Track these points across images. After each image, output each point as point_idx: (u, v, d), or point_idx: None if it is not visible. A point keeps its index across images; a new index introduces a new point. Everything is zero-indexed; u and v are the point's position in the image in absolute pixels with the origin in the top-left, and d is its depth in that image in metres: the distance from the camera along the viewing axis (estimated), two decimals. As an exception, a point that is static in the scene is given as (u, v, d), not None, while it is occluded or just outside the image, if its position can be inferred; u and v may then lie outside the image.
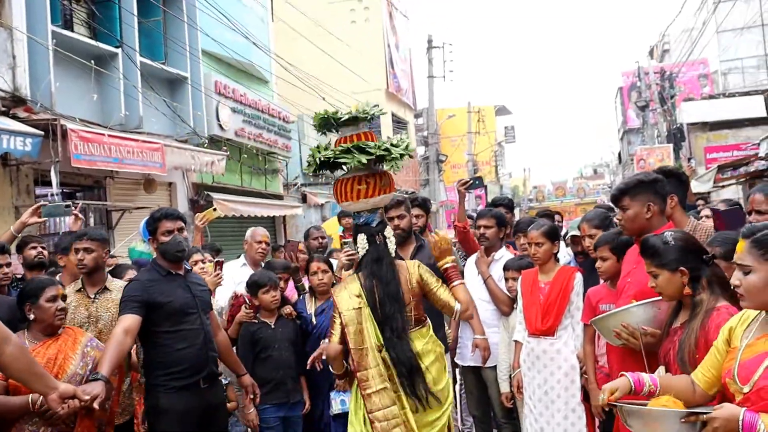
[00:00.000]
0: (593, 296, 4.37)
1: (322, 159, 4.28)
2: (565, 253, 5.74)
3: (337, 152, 4.25)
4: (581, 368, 4.70)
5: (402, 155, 4.27)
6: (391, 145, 4.27)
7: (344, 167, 4.28)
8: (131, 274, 5.27)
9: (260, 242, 6.32)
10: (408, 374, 3.97)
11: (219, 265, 5.41)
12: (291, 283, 5.90)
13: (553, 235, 4.92)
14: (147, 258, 7.92)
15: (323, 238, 7.39)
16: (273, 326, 5.33)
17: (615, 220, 4.04)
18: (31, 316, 3.77)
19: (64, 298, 3.91)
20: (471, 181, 6.23)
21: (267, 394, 4.77)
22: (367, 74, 25.45)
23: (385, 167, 4.34)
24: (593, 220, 4.86)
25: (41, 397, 3.45)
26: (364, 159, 4.17)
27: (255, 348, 5.25)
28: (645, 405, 2.77)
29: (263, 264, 6.18)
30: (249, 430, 5.24)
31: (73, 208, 5.39)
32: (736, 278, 2.62)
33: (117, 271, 5.41)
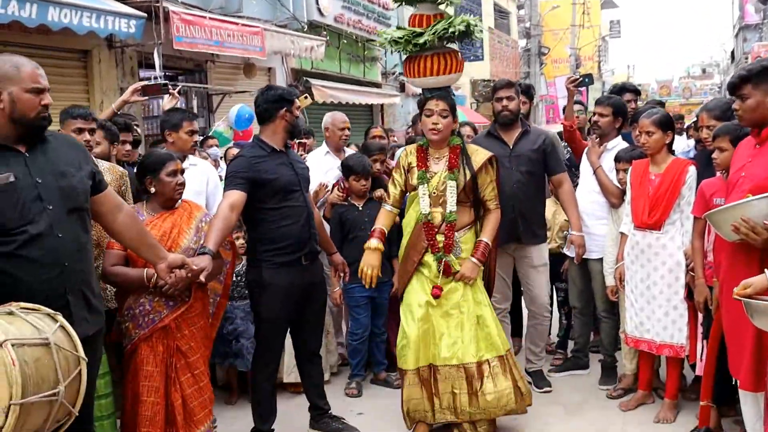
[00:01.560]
0: (707, 189, 4.14)
1: (395, 39, 4.59)
2: (684, 145, 5.48)
3: (410, 33, 4.51)
4: (688, 264, 4.53)
5: (464, 32, 4.50)
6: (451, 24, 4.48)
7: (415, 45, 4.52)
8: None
9: (342, 129, 6.12)
10: None
11: (302, 146, 5.42)
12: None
13: (665, 124, 4.65)
14: (227, 141, 8.04)
15: (382, 137, 7.20)
16: (360, 208, 5.46)
17: (734, 107, 3.77)
18: (152, 190, 3.87)
19: (182, 172, 3.97)
20: (581, 79, 5.94)
21: (355, 273, 4.80)
22: (469, -40, 24.54)
23: (454, 45, 4.65)
24: (714, 110, 4.57)
25: (155, 273, 3.57)
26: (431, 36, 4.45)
27: (344, 229, 5.39)
28: None
29: (361, 145, 6.17)
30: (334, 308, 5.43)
31: (170, 87, 5.42)
32: None
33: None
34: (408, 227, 4.56)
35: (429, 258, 4.41)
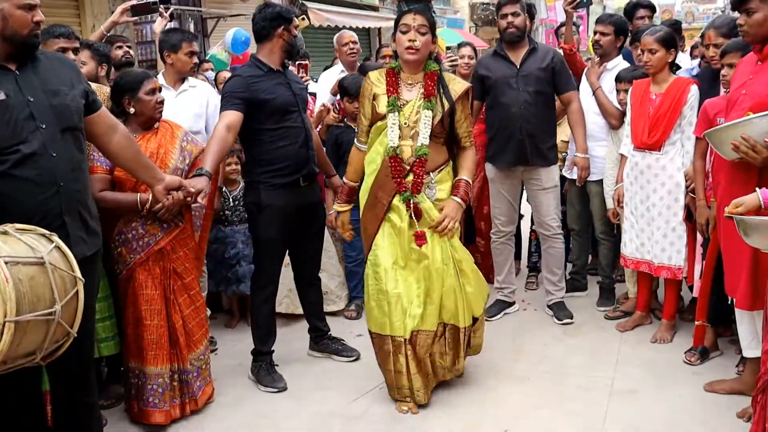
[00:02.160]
0: (710, 108, 4.07)
1: None
2: (688, 64, 5.36)
3: None
4: (687, 186, 4.50)
5: None
6: None
7: None
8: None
9: (346, 44, 6.19)
10: None
11: (303, 68, 5.32)
12: None
13: (668, 42, 4.55)
14: (223, 65, 7.90)
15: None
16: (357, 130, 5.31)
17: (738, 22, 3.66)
18: (131, 110, 3.78)
19: (160, 90, 3.90)
20: (579, 0, 5.79)
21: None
22: None
23: None
24: (721, 28, 4.45)
25: (149, 197, 3.54)
26: None
27: (339, 151, 5.30)
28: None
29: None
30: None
31: (160, 6, 5.26)
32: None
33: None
34: (372, 164, 3.96)
35: (398, 201, 3.86)
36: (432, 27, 3.88)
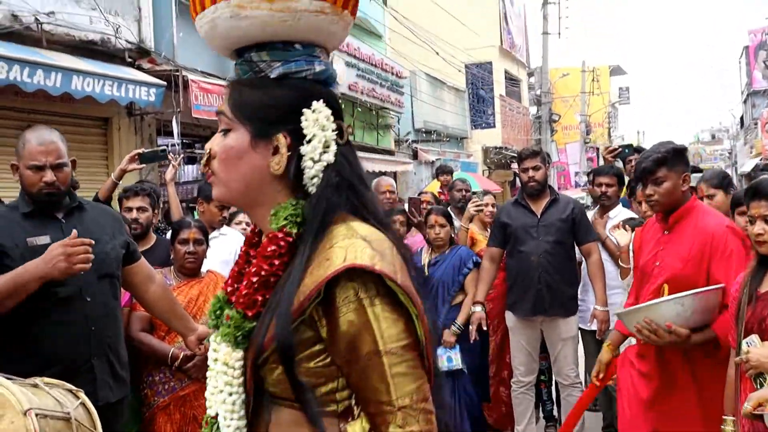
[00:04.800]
0: None
1: None
2: None
3: None
4: None
5: None
6: None
7: None
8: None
9: (383, 192, 6.27)
10: None
11: None
12: (420, 235, 5.86)
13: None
14: None
15: (467, 191, 7.08)
16: None
17: (640, 195, 3.66)
18: (171, 256, 3.94)
19: (197, 242, 4.00)
20: (620, 150, 5.85)
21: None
22: (480, 30, 24.99)
23: None
24: (712, 180, 4.57)
25: (180, 355, 3.60)
26: None
27: None
28: None
29: None
30: None
31: (169, 152, 5.36)
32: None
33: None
34: None
35: None
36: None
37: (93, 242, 2.90)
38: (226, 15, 1.44)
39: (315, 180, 1.42)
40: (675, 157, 3.44)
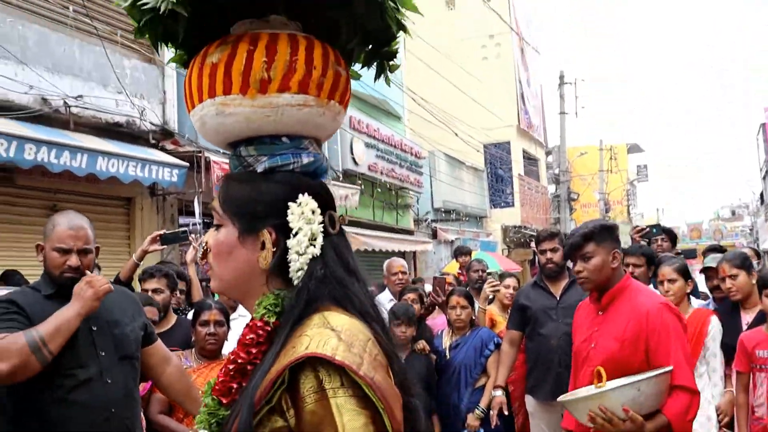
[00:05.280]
0: (748, 342, 4.05)
1: None
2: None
3: None
4: (720, 420, 4.37)
5: None
6: None
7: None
8: None
9: (395, 273, 6.39)
10: None
11: None
12: (443, 317, 5.83)
13: (686, 272, 4.60)
14: None
15: (484, 271, 7.16)
16: (403, 360, 5.20)
17: (574, 270, 3.59)
18: (193, 337, 3.94)
19: (218, 323, 4.01)
20: (647, 230, 5.82)
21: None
22: (498, 110, 25.35)
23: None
24: (734, 260, 4.53)
25: None
26: None
27: None
28: None
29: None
30: None
31: (190, 233, 5.42)
32: None
33: None
34: None
35: None
36: None
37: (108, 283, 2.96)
38: (212, 113, 1.48)
39: (300, 273, 1.41)
40: (603, 232, 3.38)
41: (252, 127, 1.48)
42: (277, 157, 1.48)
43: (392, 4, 1.52)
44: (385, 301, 6.29)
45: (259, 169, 1.47)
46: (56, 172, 7.12)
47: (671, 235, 6.34)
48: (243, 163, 1.49)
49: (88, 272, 2.96)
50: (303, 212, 1.42)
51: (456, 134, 19.02)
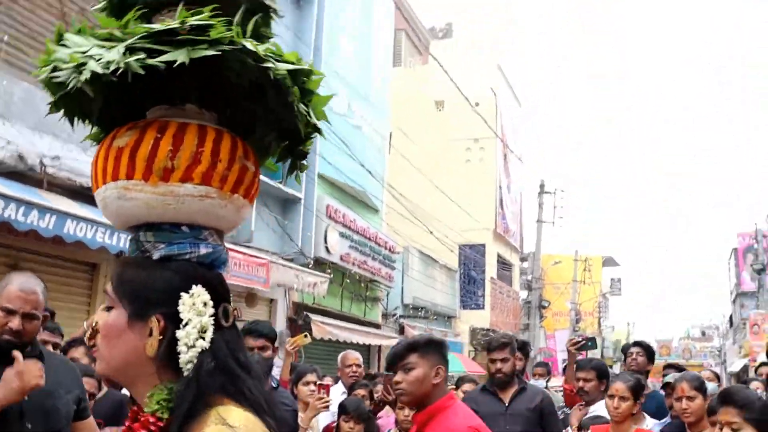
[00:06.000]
0: None
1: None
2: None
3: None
4: None
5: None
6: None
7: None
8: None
9: (350, 366, 6.30)
10: None
11: (325, 388, 5.22)
12: (392, 417, 5.70)
13: (638, 391, 4.53)
14: None
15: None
16: None
17: (393, 381, 3.50)
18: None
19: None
20: (583, 342, 5.87)
21: None
22: (476, 213, 25.61)
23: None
24: (693, 381, 4.50)
25: None
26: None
27: None
28: None
29: None
30: None
31: None
32: None
33: None
34: None
35: None
36: None
37: (42, 367, 2.84)
38: (114, 195, 1.49)
39: (189, 365, 1.39)
40: (429, 346, 3.23)
41: (152, 214, 1.47)
42: (175, 245, 1.46)
43: (304, 107, 1.54)
44: (337, 393, 6.14)
45: (156, 255, 1.46)
46: (22, 230, 7.05)
47: (648, 351, 6.22)
48: (140, 248, 1.48)
49: (17, 353, 2.83)
50: (194, 303, 1.40)
51: (431, 232, 19.13)
